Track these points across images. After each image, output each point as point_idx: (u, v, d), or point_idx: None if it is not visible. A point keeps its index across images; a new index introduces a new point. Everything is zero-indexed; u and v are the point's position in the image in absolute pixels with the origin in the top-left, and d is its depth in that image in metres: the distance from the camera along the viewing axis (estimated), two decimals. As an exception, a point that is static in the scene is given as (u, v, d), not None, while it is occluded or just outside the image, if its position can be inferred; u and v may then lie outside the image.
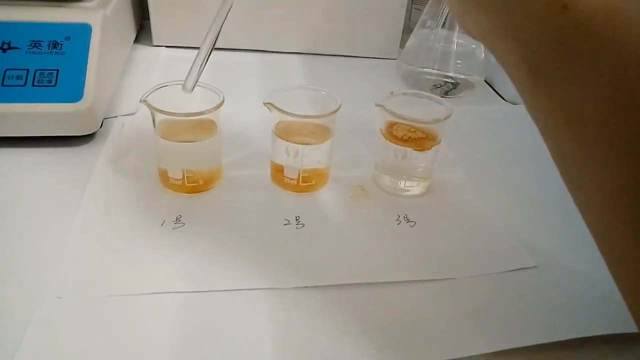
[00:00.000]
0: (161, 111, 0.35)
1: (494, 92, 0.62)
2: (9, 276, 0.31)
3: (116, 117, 0.47)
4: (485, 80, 0.62)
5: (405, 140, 0.39)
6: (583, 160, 0.20)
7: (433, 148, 0.39)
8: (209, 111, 0.35)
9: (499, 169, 0.46)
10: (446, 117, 0.38)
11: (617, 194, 0.19)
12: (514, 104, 0.59)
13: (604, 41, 0.18)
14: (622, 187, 0.19)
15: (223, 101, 0.36)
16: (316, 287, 0.32)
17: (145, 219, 0.36)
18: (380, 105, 0.39)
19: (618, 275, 0.22)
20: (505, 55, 0.22)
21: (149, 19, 0.62)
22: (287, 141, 0.38)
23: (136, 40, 0.63)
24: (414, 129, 0.39)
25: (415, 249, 0.36)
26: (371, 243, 0.36)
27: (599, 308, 0.31)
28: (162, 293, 0.30)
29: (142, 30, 0.66)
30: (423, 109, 0.40)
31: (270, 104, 0.37)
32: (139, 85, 0.53)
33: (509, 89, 0.60)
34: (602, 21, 0.18)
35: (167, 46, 0.63)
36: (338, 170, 0.42)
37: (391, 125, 0.40)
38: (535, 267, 0.35)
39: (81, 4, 0.46)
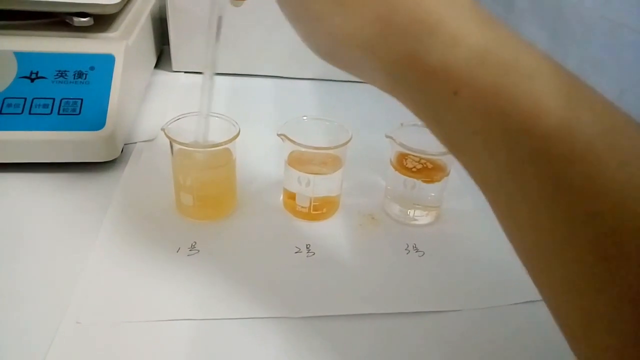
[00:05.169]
0: (178, 142, 0.36)
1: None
2: (28, 299, 0.32)
3: (136, 143, 0.49)
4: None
5: (414, 172, 0.40)
6: (500, 217, 0.23)
7: (443, 179, 0.40)
8: (225, 143, 0.37)
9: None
10: (455, 150, 0.39)
11: (535, 246, 0.22)
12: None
13: (494, 117, 0.20)
14: (536, 242, 0.21)
15: (239, 133, 0.38)
16: (326, 316, 0.33)
17: (161, 245, 0.37)
18: (390, 137, 0.40)
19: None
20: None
21: (168, 44, 0.64)
22: (299, 171, 0.39)
23: (156, 66, 0.65)
24: (424, 161, 0.40)
25: (423, 280, 0.36)
26: (380, 273, 0.37)
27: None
28: (176, 320, 0.31)
29: (162, 55, 0.68)
30: (433, 140, 0.40)
31: (284, 135, 0.38)
32: (158, 111, 0.55)
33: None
34: (491, 100, 0.20)
35: (186, 72, 0.65)
36: (349, 197, 0.43)
37: (401, 156, 0.41)
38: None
39: (105, 34, 0.48)
